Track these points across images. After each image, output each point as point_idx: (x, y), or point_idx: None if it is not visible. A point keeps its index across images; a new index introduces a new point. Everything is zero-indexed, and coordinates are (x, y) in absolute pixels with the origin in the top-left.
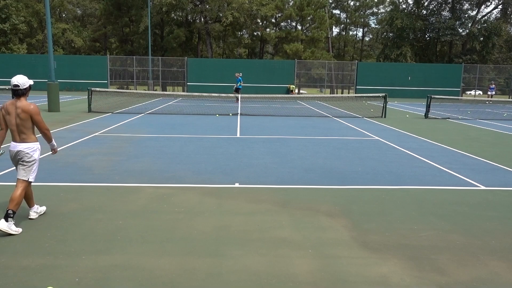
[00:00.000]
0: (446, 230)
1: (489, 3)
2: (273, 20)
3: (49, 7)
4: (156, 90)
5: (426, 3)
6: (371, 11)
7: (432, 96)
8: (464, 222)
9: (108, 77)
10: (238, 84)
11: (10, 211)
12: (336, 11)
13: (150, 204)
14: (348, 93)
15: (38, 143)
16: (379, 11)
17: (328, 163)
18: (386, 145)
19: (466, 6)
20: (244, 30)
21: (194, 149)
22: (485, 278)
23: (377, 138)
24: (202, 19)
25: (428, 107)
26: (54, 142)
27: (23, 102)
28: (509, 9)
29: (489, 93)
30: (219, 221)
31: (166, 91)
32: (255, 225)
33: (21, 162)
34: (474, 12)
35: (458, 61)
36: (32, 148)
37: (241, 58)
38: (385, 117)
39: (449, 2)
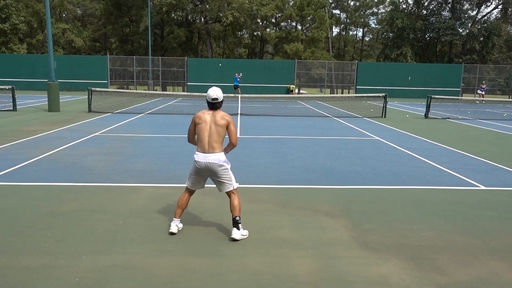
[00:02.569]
0: (446, 230)
1: (489, 3)
2: (273, 20)
3: (49, 7)
4: (156, 90)
5: (426, 3)
6: (371, 11)
7: (432, 96)
8: (464, 222)
9: (108, 77)
10: (236, 82)
11: (238, 218)
12: (336, 11)
13: (150, 204)
14: (348, 93)
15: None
16: (379, 11)
17: (328, 163)
18: (386, 145)
19: (466, 6)
20: (244, 30)
21: (194, 149)
22: (485, 278)
23: (377, 138)
24: (202, 19)
25: (428, 107)
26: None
27: (221, 112)
28: (509, 9)
29: (479, 92)
30: (219, 221)
31: (166, 91)
32: (255, 225)
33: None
34: (474, 12)
35: (458, 61)
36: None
37: (241, 58)
38: (385, 117)
39: (449, 2)
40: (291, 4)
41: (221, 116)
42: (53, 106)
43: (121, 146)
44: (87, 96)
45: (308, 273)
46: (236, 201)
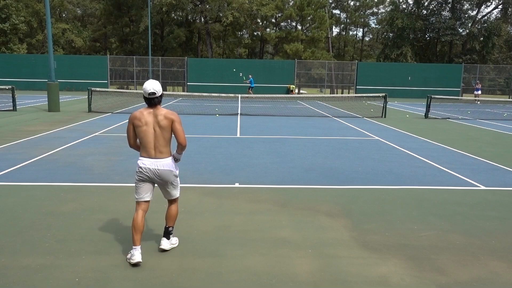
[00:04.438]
0: (446, 230)
1: (489, 3)
2: (273, 20)
3: (49, 7)
4: None
5: (426, 3)
6: (371, 11)
7: (432, 96)
8: (464, 222)
9: (108, 77)
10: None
11: (171, 228)
12: (336, 11)
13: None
14: (348, 93)
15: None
16: (379, 11)
17: (328, 163)
18: (386, 145)
19: (466, 6)
20: (244, 30)
21: (194, 149)
22: (485, 278)
23: (377, 138)
24: (202, 19)
25: (428, 107)
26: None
27: (163, 110)
28: (509, 9)
29: (475, 92)
30: (219, 221)
31: (166, 91)
32: (255, 225)
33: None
34: (474, 12)
35: (458, 61)
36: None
37: (241, 58)
38: (385, 117)
39: (449, 2)
40: (291, 4)
41: (163, 115)
42: (53, 106)
43: (121, 146)
44: (87, 96)
45: (308, 273)
46: (175, 210)
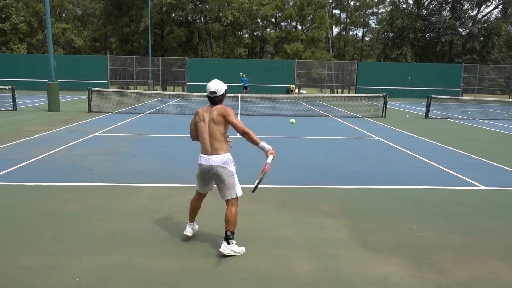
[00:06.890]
0: (446, 230)
1: (489, 3)
2: (273, 20)
3: (49, 7)
4: (156, 90)
5: (426, 3)
6: (371, 11)
7: (432, 96)
8: (464, 222)
9: (108, 77)
10: (243, 83)
11: (229, 233)
12: (336, 11)
13: (150, 204)
14: (348, 93)
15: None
16: (379, 11)
17: (328, 163)
18: (386, 145)
19: (466, 6)
20: (244, 30)
21: (194, 149)
22: (485, 278)
23: (377, 138)
24: (202, 19)
25: (428, 107)
26: (263, 143)
27: (218, 106)
28: (509, 9)
29: None
30: (219, 221)
31: (166, 91)
32: (255, 225)
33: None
34: (474, 12)
35: (458, 61)
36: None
37: (241, 58)
38: (385, 117)
39: (449, 2)
40: (291, 4)
41: (216, 110)
42: (53, 106)
43: (121, 146)
44: (87, 96)
45: (308, 273)
46: (231, 213)
